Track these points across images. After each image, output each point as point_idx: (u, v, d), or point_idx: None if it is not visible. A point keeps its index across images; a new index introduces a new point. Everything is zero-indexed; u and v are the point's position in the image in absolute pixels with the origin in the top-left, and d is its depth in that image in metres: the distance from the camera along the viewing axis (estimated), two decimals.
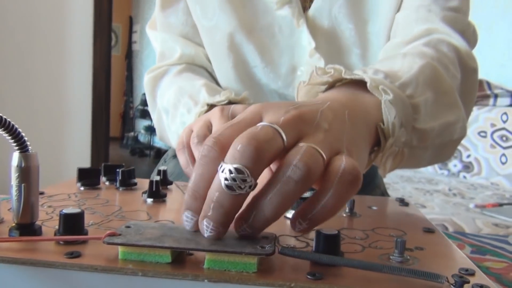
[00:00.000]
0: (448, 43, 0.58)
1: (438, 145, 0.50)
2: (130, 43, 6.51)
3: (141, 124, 6.07)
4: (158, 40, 0.80)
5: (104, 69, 2.84)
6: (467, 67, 0.58)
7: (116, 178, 0.53)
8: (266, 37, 0.71)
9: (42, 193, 0.48)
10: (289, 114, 0.32)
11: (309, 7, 0.70)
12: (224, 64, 0.73)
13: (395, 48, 0.61)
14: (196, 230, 0.32)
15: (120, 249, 0.31)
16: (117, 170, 0.52)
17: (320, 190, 0.30)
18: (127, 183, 0.52)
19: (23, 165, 0.34)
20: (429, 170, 2.67)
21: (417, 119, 0.45)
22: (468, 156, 2.47)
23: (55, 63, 2.62)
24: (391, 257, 0.34)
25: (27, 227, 0.34)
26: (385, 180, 0.91)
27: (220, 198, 0.29)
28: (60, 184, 0.53)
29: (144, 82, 0.81)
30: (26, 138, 0.34)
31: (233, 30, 0.70)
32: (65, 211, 0.34)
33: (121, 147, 6.17)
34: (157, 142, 5.52)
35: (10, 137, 0.33)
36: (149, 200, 0.47)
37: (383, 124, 0.41)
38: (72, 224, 0.34)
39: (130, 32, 6.51)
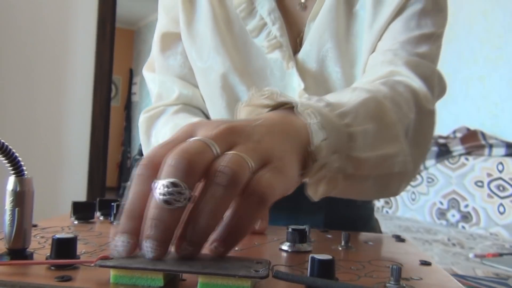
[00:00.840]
0: (406, 85, 0.60)
1: (379, 177, 0.50)
2: (129, 94, 6.62)
3: None
4: (156, 81, 0.82)
5: (103, 119, 2.87)
6: (424, 108, 0.59)
7: (110, 212, 0.52)
8: (258, 79, 0.73)
9: (35, 226, 0.48)
10: (219, 128, 0.33)
11: (299, 50, 0.72)
12: (218, 104, 0.75)
13: None
14: (131, 255, 0.31)
15: (112, 272, 0.30)
16: (112, 204, 0.52)
17: (232, 210, 0.32)
18: None
19: (18, 189, 0.34)
20: (427, 220, 2.64)
21: (352, 147, 0.45)
22: (466, 206, 2.45)
23: (55, 111, 2.65)
24: (387, 284, 0.33)
25: (18, 253, 0.34)
26: (382, 229, 0.90)
27: (159, 215, 0.30)
28: (53, 218, 0.53)
29: (139, 122, 0.82)
30: (22, 163, 0.34)
31: (226, 71, 0.72)
32: (58, 236, 0.34)
33: (117, 197, 6.12)
34: None
35: (6, 161, 0.33)
36: None
37: (310, 147, 0.42)
38: (64, 249, 0.33)
39: (130, 83, 6.64)
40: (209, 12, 0.73)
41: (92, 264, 0.31)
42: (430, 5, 0.68)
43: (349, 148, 0.45)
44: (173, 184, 0.29)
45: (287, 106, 0.45)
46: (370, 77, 0.64)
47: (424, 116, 0.60)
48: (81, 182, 2.75)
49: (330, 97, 0.50)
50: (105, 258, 0.31)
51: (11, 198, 0.34)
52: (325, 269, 0.31)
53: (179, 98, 0.78)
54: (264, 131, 0.36)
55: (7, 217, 0.34)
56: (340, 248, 0.46)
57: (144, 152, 0.81)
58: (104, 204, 0.54)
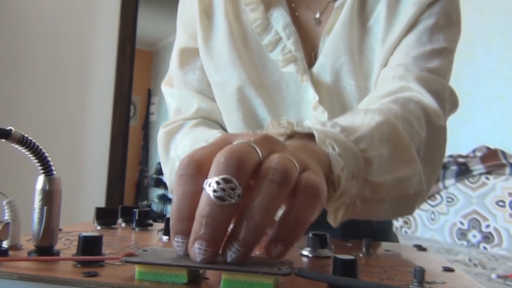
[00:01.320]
0: (416, 101, 0.60)
1: (395, 199, 0.51)
2: (147, 114, 6.70)
3: (155, 193, 6.09)
4: (175, 96, 0.83)
5: (122, 138, 2.91)
6: (434, 125, 0.60)
7: (132, 219, 0.53)
8: (274, 92, 0.74)
9: (60, 230, 0.49)
10: (258, 135, 0.34)
11: (314, 64, 0.73)
12: (234, 117, 0.76)
13: (371, 102, 0.63)
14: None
15: (137, 268, 0.31)
16: (134, 210, 0.53)
17: (291, 207, 0.32)
18: (143, 224, 0.52)
19: (47, 188, 0.35)
20: (448, 241, 2.59)
21: (369, 172, 0.46)
22: (487, 226, 2.40)
23: (75, 128, 2.70)
24: (410, 286, 0.33)
25: (46, 250, 0.35)
26: None
27: (212, 212, 0.29)
28: (77, 224, 0.54)
29: (158, 136, 0.83)
30: (51, 163, 0.35)
31: (242, 84, 0.73)
32: (84, 234, 0.34)
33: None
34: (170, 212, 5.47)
35: (36, 160, 0.34)
36: (165, 238, 0.47)
37: (332, 176, 0.42)
38: (90, 247, 0.34)
39: (148, 103, 6.73)
40: (226, 27, 0.75)
41: (118, 261, 0.32)
42: (443, 20, 0.69)
43: (366, 173, 0.46)
44: (225, 180, 0.29)
45: (301, 136, 0.46)
46: (381, 92, 0.64)
47: (435, 132, 0.60)
48: (98, 200, 2.78)
49: (343, 121, 0.51)
50: (131, 255, 0.31)
51: (40, 197, 0.35)
52: (348, 269, 0.31)
53: (197, 112, 0.80)
54: (294, 147, 0.37)
55: (36, 215, 0.35)
56: (361, 255, 0.46)
57: (163, 166, 0.82)
58: (126, 211, 0.55)
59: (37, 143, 0.34)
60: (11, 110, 2.47)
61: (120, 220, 0.55)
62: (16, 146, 0.33)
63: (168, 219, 0.47)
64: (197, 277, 0.32)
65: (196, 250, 0.30)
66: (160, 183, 5.90)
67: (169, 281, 0.30)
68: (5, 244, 0.36)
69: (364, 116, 0.52)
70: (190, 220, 0.31)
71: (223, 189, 0.29)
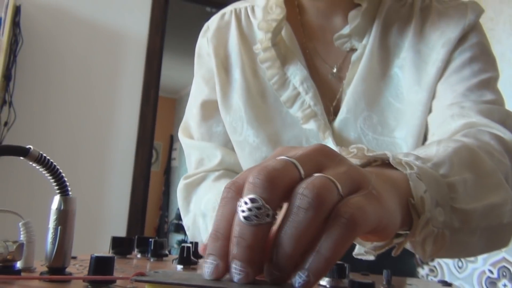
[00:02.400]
0: (489, 132, 0.57)
1: (487, 230, 0.46)
2: (169, 159, 6.78)
3: (175, 238, 6.04)
4: (197, 147, 0.81)
5: (143, 182, 2.93)
6: None
7: (148, 249, 0.52)
8: None
9: (74, 257, 0.48)
10: (309, 148, 0.32)
11: (334, 119, 0.71)
12: None
13: None
14: (217, 277, 0.29)
15: (147, 287, 0.30)
16: (150, 240, 0.52)
17: (323, 234, 0.28)
18: (159, 254, 0.52)
19: (62, 208, 0.35)
20: None
21: (455, 198, 0.42)
22: None
23: (97, 171, 2.74)
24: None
25: (58, 271, 0.34)
26: None
27: (241, 232, 0.28)
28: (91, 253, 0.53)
29: (178, 188, 0.81)
30: (68, 183, 0.35)
31: (260, 143, 0.71)
32: (96, 254, 0.34)
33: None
34: None
35: (53, 179, 0.34)
36: (179, 267, 0.46)
37: (413, 199, 0.38)
38: (102, 267, 0.33)
39: (170, 149, 6.82)
40: (243, 84, 0.74)
41: (129, 280, 0.31)
42: (478, 51, 0.67)
43: (452, 199, 0.42)
44: (252, 200, 0.28)
45: (376, 164, 0.43)
46: (444, 134, 0.61)
47: None
48: None
49: (416, 152, 0.47)
50: (141, 274, 0.31)
51: (55, 217, 0.35)
52: None
53: (221, 163, 0.77)
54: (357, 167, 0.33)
55: (50, 235, 0.35)
56: (381, 287, 0.44)
57: (183, 218, 0.81)
58: (142, 242, 0.55)
59: (54, 163, 0.34)
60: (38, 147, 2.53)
61: (135, 251, 0.55)
62: (34, 164, 0.33)
63: (183, 247, 0.47)
64: None
65: (232, 269, 0.29)
66: (180, 229, 5.86)
67: None
68: (18, 265, 0.36)
69: (437, 146, 0.49)
70: (224, 240, 0.30)
71: (249, 209, 0.28)
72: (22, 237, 0.37)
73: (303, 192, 0.28)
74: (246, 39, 0.77)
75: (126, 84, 2.88)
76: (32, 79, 2.57)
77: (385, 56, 0.71)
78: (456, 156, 0.46)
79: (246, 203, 0.28)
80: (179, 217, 5.90)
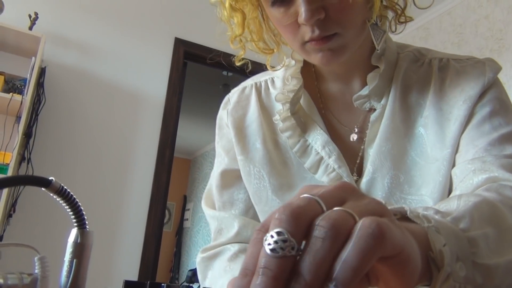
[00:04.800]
0: (511, 187, 0.56)
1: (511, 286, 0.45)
2: (182, 220, 6.73)
3: None
4: (216, 217, 0.81)
5: (155, 242, 2.90)
6: None
7: None
8: None
9: None
10: (332, 186, 0.33)
11: (358, 180, 0.71)
12: None
13: None
14: None
15: None
16: (162, 285, 0.52)
17: (344, 246, 0.29)
18: None
19: (79, 241, 0.35)
20: None
21: (476, 253, 0.41)
22: None
23: (109, 228, 2.72)
24: None
25: None
26: None
27: (266, 263, 0.29)
28: None
29: (197, 262, 0.81)
30: (85, 217, 0.36)
31: None
32: (127, 279, 0.34)
33: None
34: None
35: (71, 212, 0.35)
36: None
37: (432, 253, 0.37)
38: None
39: (183, 210, 6.80)
40: (266, 155, 0.75)
41: None
42: (498, 105, 0.68)
43: (473, 254, 0.41)
44: (278, 233, 0.30)
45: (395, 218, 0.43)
46: (467, 189, 0.60)
47: None
48: None
49: (436, 206, 0.47)
50: None
51: (71, 249, 0.35)
52: None
53: (238, 235, 0.77)
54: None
55: (65, 267, 0.35)
56: None
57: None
58: (155, 286, 0.54)
59: (74, 196, 0.35)
60: (53, 202, 2.55)
61: None
62: (54, 196, 0.34)
63: None
64: None
65: None
66: None
67: None
68: None
69: (458, 200, 0.48)
70: (252, 276, 0.30)
71: (276, 242, 0.29)
72: (37, 271, 0.38)
73: (320, 223, 0.29)
74: (266, 111, 0.79)
75: (142, 143, 2.94)
76: (51, 138, 2.64)
77: (407, 115, 0.72)
78: (477, 211, 0.45)
79: (272, 236, 0.30)
80: (190, 280, 5.77)
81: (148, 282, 0.55)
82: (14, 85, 2.53)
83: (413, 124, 0.71)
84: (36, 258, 0.38)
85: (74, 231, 0.35)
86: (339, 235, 0.29)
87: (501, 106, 0.68)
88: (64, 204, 0.35)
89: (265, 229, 0.32)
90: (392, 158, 0.69)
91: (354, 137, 0.74)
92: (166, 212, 5.80)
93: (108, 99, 2.87)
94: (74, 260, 0.35)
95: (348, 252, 0.29)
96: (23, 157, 2.47)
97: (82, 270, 0.35)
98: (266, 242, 0.30)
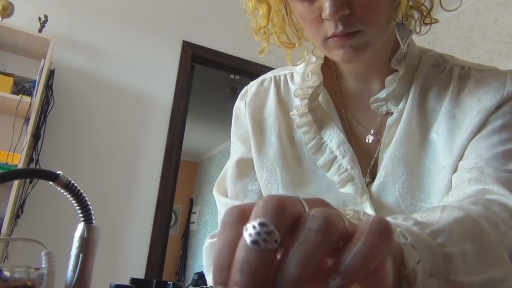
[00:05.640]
0: (501, 203, 0.55)
1: None
2: (188, 223, 6.74)
3: None
4: (227, 206, 0.80)
5: (160, 245, 2.90)
6: None
7: None
8: None
9: None
10: (311, 198, 0.32)
11: (371, 182, 0.70)
12: None
13: None
14: None
15: None
16: (168, 282, 0.52)
17: (352, 240, 0.28)
18: None
19: (85, 235, 0.35)
20: None
21: (451, 270, 0.40)
22: None
23: (116, 231, 2.73)
24: None
25: None
26: None
27: (247, 257, 0.28)
28: None
29: (204, 246, 0.81)
30: (92, 212, 0.36)
31: None
32: (116, 283, 0.34)
33: None
34: None
35: (78, 207, 0.35)
36: None
37: (405, 269, 0.36)
38: None
39: (189, 213, 6.80)
40: (279, 148, 0.74)
41: None
42: (510, 119, 0.66)
43: (447, 270, 0.40)
44: (262, 224, 0.28)
45: None
46: (458, 196, 0.60)
47: None
48: None
49: (417, 216, 0.46)
50: None
51: (78, 244, 0.35)
52: None
53: None
54: None
55: (71, 262, 0.35)
56: None
57: (207, 277, 0.80)
58: (161, 285, 0.54)
59: (81, 190, 0.35)
60: (61, 203, 2.56)
61: None
62: (61, 190, 0.34)
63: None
64: None
65: None
66: None
67: None
68: None
69: (441, 212, 0.47)
70: (230, 269, 0.29)
71: (258, 234, 0.28)
72: (43, 266, 0.38)
73: (314, 214, 0.28)
74: (284, 105, 0.79)
75: (149, 146, 2.95)
76: (59, 139, 2.66)
77: (423, 120, 0.71)
78: (458, 226, 0.44)
79: (254, 227, 0.28)
80: (196, 283, 5.77)
81: (155, 280, 0.55)
82: (23, 87, 2.55)
83: (428, 130, 0.70)
84: (43, 253, 0.38)
85: (80, 226, 0.36)
86: (334, 229, 0.28)
87: None
88: (71, 199, 0.35)
89: (236, 212, 0.30)
90: (405, 163, 0.69)
91: (370, 138, 0.74)
92: (173, 215, 5.81)
93: (115, 101, 2.88)
94: (81, 255, 0.35)
95: (360, 245, 0.28)
96: (32, 158, 2.49)
97: (88, 264, 0.35)
98: (247, 233, 0.28)
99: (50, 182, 0.33)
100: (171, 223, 5.73)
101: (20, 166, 2.28)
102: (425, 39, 3.31)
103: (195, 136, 6.14)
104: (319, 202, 0.32)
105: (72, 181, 0.35)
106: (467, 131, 0.66)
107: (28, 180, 2.46)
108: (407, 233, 0.38)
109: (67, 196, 0.35)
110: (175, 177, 3.05)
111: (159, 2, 3.15)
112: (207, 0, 3.29)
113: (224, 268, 0.29)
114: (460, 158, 0.66)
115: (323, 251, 0.28)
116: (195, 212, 6.68)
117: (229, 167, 0.83)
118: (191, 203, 6.88)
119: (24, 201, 2.45)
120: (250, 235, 0.28)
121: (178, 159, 3.07)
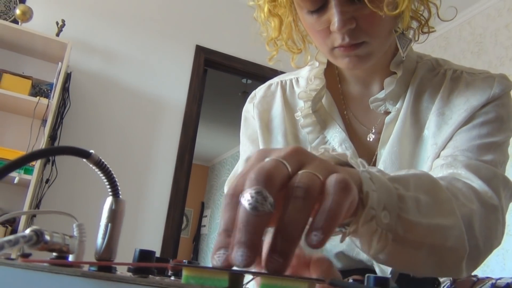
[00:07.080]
0: (465, 182, 0.60)
1: (432, 248, 0.47)
2: (199, 226, 6.79)
3: None
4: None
5: (172, 247, 2.94)
6: (487, 203, 0.59)
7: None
8: None
9: None
10: (288, 150, 0.38)
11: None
12: None
13: None
14: (227, 265, 0.33)
15: (184, 272, 0.34)
16: (184, 262, 0.56)
17: (323, 201, 0.34)
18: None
19: (113, 207, 0.40)
20: None
21: (403, 208, 0.44)
22: None
23: (127, 232, 2.78)
24: None
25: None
26: None
27: (247, 218, 0.33)
28: None
29: (226, 184, 0.87)
30: (119, 187, 0.41)
31: None
32: (140, 248, 0.38)
33: None
34: None
35: (107, 182, 0.40)
36: None
37: (362, 193, 0.41)
38: (144, 259, 0.38)
39: (201, 216, 6.85)
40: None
41: (168, 266, 0.35)
42: (493, 117, 0.71)
43: (400, 208, 0.44)
44: (257, 192, 0.33)
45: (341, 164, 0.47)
46: None
47: (491, 211, 0.59)
48: None
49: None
50: (178, 262, 0.35)
51: (107, 215, 0.40)
52: (381, 285, 0.33)
53: None
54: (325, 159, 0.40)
55: (101, 231, 0.39)
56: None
57: None
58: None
59: (110, 168, 0.40)
60: (76, 204, 2.62)
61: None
62: (93, 167, 0.39)
63: None
64: (238, 284, 0.35)
65: (239, 255, 0.32)
66: None
67: (212, 285, 0.33)
68: (70, 259, 0.40)
69: (407, 171, 0.52)
70: (229, 235, 0.34)
71: (256, 200, 0.33)
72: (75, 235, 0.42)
73: (298, 184, 0.34)
74: (289, 107, 0.84)
75: (162, 149, 3.00)
76: (75, 140, 2.72)
77: (417, 119, 0.76)
78: (416, 180, 0.49)
79: (250, 194, 0.33)
80: None
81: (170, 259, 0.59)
82: (40, 89, 2.62)
83: (421, 127, 0.75)
84: (74, 225, 0.42)
85: (109, 199, 0.40)
86: (314, 194, 0.34)
87: (497, 119, 0.71)
88: (101, 174, 0.39)
89: (237, 194, 0.35)
90: (401, 160, 0.73)
91: (371, 137, 0.79)
92: (184, 218, 5.86)
93: (129, 104, 2.95)
94: (109, 224, 0.39)
95: (330, 204, 0.34)
96: (48, 159, 2.56)
97: (115, 233, 0.39)
98: (245, 200, 0.33)
99: (84, 160, 0.38)
100: (183, 226, 5.77)
101: (37, 166, 2.35)
102: (436, 44, 3.34)
103: (206, 140, 6.19)
104: (294, 152, 0.37)
105: (102, 160, 0.39)
106: (452, 126, 0.71)
107: (44, 180, 2.53)
108: (368, 173, 0.43)
109: (98, 172, 0.39)
110: (187, 179, 3.09)
111: (174, 8, 3.22)
112: (220, 5, 3.35)
113: (227, 235, 0.34)
114: (442, 149, 0.71)
115: (309, 211, 0.34)
116: (206, 216, 6.72)
117: (239, 165, 0.89)
118: (202, 207, 6.93)
119: (40, 200, 2.51)
120: (249, 201, 0.33)
121: (190, 162, 3.12)
